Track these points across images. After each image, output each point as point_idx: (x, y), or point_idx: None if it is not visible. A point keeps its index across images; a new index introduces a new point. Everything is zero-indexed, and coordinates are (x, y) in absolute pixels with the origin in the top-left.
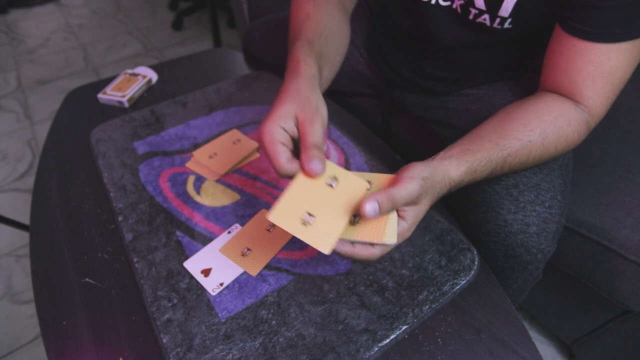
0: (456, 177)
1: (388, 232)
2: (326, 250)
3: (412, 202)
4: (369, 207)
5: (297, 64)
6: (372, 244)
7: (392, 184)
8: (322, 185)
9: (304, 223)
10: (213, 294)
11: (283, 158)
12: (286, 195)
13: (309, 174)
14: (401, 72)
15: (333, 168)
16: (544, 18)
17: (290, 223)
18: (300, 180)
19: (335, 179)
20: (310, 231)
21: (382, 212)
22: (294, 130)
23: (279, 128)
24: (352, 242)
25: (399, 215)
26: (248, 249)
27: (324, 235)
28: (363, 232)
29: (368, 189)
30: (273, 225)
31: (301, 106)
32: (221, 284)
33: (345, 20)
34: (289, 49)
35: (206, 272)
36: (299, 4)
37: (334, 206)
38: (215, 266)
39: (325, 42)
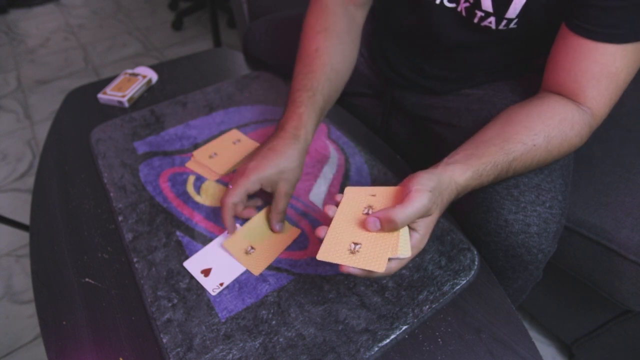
0: (462, 182)
1: (401, 246)
2: (381, 268)
3: (425, 215)
4: (371, 221)
5: (300, 127)
6: (388, 259)
7: (398, 196)
8: (360, 215)
9: (352, 252)
10: (213, 294)
11: (231, 199)
12: (327, 236)
13: (274, 231)
14: (402, 71)
15: (369, 191)
16: (550, 18)
17: (340, 255)
18: (341, 211)
19: (370, 207)
20: (360, 257)
21: (385, 230)
22: (268, 187)
23: (256, 183)
24: None
25: (410, 228)
26: (252, 247)
27: (375, 255)
28: (367, 262)
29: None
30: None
31: (285, 180)
32: (221, 284)
33: (354, 45)
34: (294, 87)
35: (206, 272)
36: (309, 34)
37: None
38: (215, 266)
39: (329, 84)
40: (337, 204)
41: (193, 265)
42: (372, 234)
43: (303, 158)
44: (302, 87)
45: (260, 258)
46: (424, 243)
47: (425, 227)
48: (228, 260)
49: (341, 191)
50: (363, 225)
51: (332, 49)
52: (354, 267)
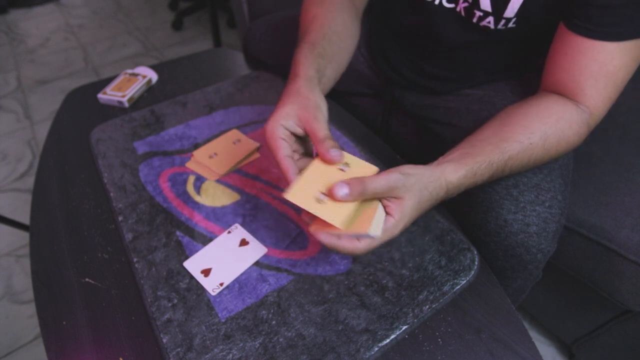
0: (454, 180)
1: (373, 225)
2: (339, 223)
3: (392, 194)
4: (338, 186)
5: (297, 67)
6: (357, 238)
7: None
8: (335, 170)
9: (318, 201)
10: (213, 294)
11: (282, 152)
12: (301, 177)
13: (329, 162)
14: (402, 71)
15: (347, 156)
16: (549, 17)
17: (306, 201)
18: (315, 165)
19: (346, 164)
20: (324, 207)
21: (352, 195)
22: (295, 129)
23: (280, 126)
24: (338, 235)
25: (386, 212)
26: (324, 194)
27: (337, 210)
28: (329, 214)
29: (377, 173)
30: (346, 164)
31: (302, 105)
32: (221, 284)
33: (353, 19)
34: (296, 48)
35: (206, 272)
36: (307, 7)
37: None
38: (215, 266)
39: (329, 42)
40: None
41: (193, 265)
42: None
43: (313, 87)
44: (299, 44)
45: (338, 205)
46: (397, 229)
47: (399, 212)
48: (228, 260)
49: None
50: (335, 178)
51: (330, 15)
52: (326, 237)
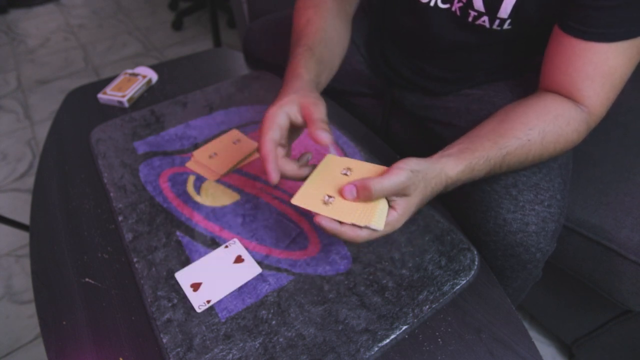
0: (453, 175)
1: (376, 217)
2: (348, 219)
3: (401, 193)
4: (347, 188)
5: (297, 69)
6: (359, 227)
7: (378, 172)
8: (338, 175)
9: (325, 203)
10: (199, 310)
11: (270, 135)
12: (306, 183)
13: (316, 141)
14: (401, 71)
15: (348, 162)
16: (543, 18)
17: (313, 204)
18: (318, 170)
19: (349, 169)
20: (331, 208)
21: (360, 197)
22: (296, 117)
23: (282, 112)
24: (341, 222)
25: (390, 206)
26: (329, 196)
27: (344, 208)
28: (353, 215)
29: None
30: (349, 169)
31: (304, 95)
32: (208, 301)
33: (345, 24)
34: (290, 54)
35: (196, 287)
36: (300, 11)
37: None
38: (206, 281)
39: (325, 47)
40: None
41: (184, 277)
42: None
43: (313, 86)
44: (296, 46)
45: (344, 205)
46: (400, 223)
47: (403, 207)
48: (220, 276)
49: None
50: (340, 185)
51: (324, 20)
52: (328, 223)
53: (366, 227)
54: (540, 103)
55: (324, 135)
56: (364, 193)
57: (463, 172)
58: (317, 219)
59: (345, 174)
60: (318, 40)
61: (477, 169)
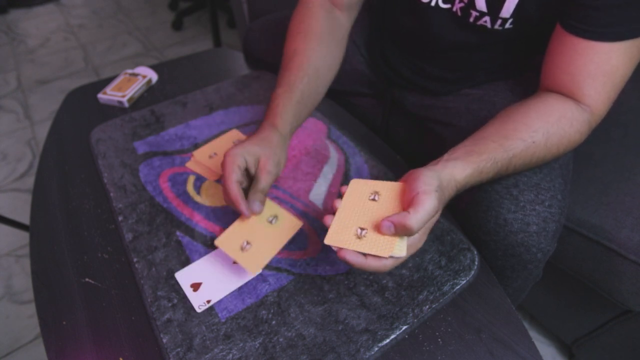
0: (462, 180)
1: (397, 246)
2: (388, 254)
3: (433, 216)
4: (385, 226)
5: (274, 116)
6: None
7: (403, 192)
8: (367, 202)
9: (359, 237)
10: (199, 310)
11: (233, 177)
12: (336, 219)
13: (251, 212)
14: (401, 71)
15: (374, 184)
16: (544, 17)
17: (347, 240)
18: (346, 201)
19: (376, 193)
20: (366, 242)
21: (398, 234)
22: (250, 167)
23: (241, 157)
24: (365, 254)
25: None
26: (248, 243)
27: (382, 242)
28: (374, 246)
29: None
30: (275, 217)
31: (267, 155)
32: (208, 301)
33: (337, 47)
34: (275, 87)
35: (196, 287)
36: (290, 38)
37: (383, 216)
38: (206, 281)
39: (307, 84)
40: (342, 195)
41: (184, 277)
42: (377, 219)
43: (284, 144)
44: (279, 85)
45: (258, 254)
46: (421, 242)
47: (425, 227)
48: (220, 276)
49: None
50: (369, 210)
51: (310, 50)
52: (353, 257)
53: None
54: (543, 104)
55: (256, 206)
56: (403, 231)
57: (472, 176)
58: (342, 254)
59: (374, 199)
60: (300, 77)
61: (485, 172)
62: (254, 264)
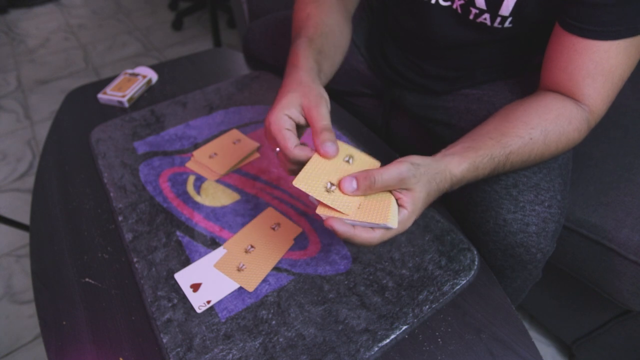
0: (457, 174)
1: (391, 216)
2: (350, 213)
3: (403, 185)
4: (347, 180)
5: (296, 58)
6: (372, 228)
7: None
8: (340, 162)
9: (327, 190)
10: (199, 311)
11: (291, 142)
12: (307, 166)
13: (323, 156)
14: (402, 71)
15: (348, 149)
16: (545, 16)
17: (315, 189)
18: (318, 156)
19: (351, 157)
20: (333, 197)
21: (361, 189)
22: (299, 118)
23: (284, 116)
24: (353, 225)
25: (398, 204)
26: (243, 264)
27: (346, 200)
28: (367, 214)
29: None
30: (277, 224)
31: (304, 94)
32: (208, 302)
33: (346, 20)
34: (290, 47)
35: (195, 287)
36: (301, 6)
37: None
38: (205, 282)
39: (326, 39)
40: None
41: (184, 278)
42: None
43: (315, 77)
44: (297, 42)
45: (253, 273)
46: (410, 221)
47: (412, 203)
48: (220, 276)
49: None
50: (341, 169)
51: (325, 14)
52: (342, 226)
53: (380, 226)
54: (542, 102)
55: (330, 149)
56: (364, 183)
57: (468, 170)
58: (329, 222)
59: (348, 162)
60: (319, 33)
61: (482, 168)
62: (348, 206)
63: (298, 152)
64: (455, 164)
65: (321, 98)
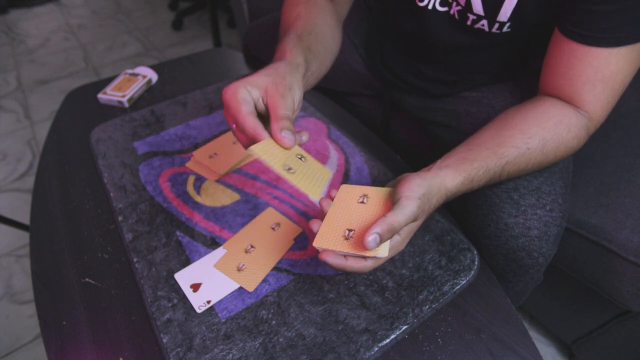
0: (452, 188)
1: (381, 248)
2: (372, 253)
3: (411, 221)
4: (371, 239)
5: (283, 53)
6: (364, 257)
7: (391, 197)
8: (355, 204)
9: (346, 238)
10: (199, 311)
11: (244, 109)
12: (324, 222)
13: (280, 143)
14: (400, 74)
15: (364, 189)
16: (543, 21)
17: (334, 242)
18: (335, 205)
19: (365, 196)
20: (353, 243)
21: (383, 240)
22: (259, 101)
23: (244, 89)
24: (345, 255)
25: None
26: (243, 264)
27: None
28: (357, 246)
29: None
30: (278, 224)
31: (274, 81)
32: (208, 302)
33: (336, 23)
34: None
35: (195, 287)
36: (290, 7)
37: (370, 218)
38: (206, 281)
39: (315, 39)
40: (331, 199)
41: (183, 278)
42: (364, 220)
43: (295, 71)
44: (286, 39)
45: (253, 273)
46: (403, 245)
47: (407, 231)
48: (220, 276)
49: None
50: (358, 212)
51: (315, 15)
52: (333, 258)
53: (371, 257)
54: (540, 109)
55: (287, 138)
56: (387, 236)
57: (462, 184)
58: (322, 256)
59: (362, 202)
60: (307, 32)
61: (477, 180)
62: (250, 283)
63: (252, 120)
64: (450, 178)
65: (289, 90)
